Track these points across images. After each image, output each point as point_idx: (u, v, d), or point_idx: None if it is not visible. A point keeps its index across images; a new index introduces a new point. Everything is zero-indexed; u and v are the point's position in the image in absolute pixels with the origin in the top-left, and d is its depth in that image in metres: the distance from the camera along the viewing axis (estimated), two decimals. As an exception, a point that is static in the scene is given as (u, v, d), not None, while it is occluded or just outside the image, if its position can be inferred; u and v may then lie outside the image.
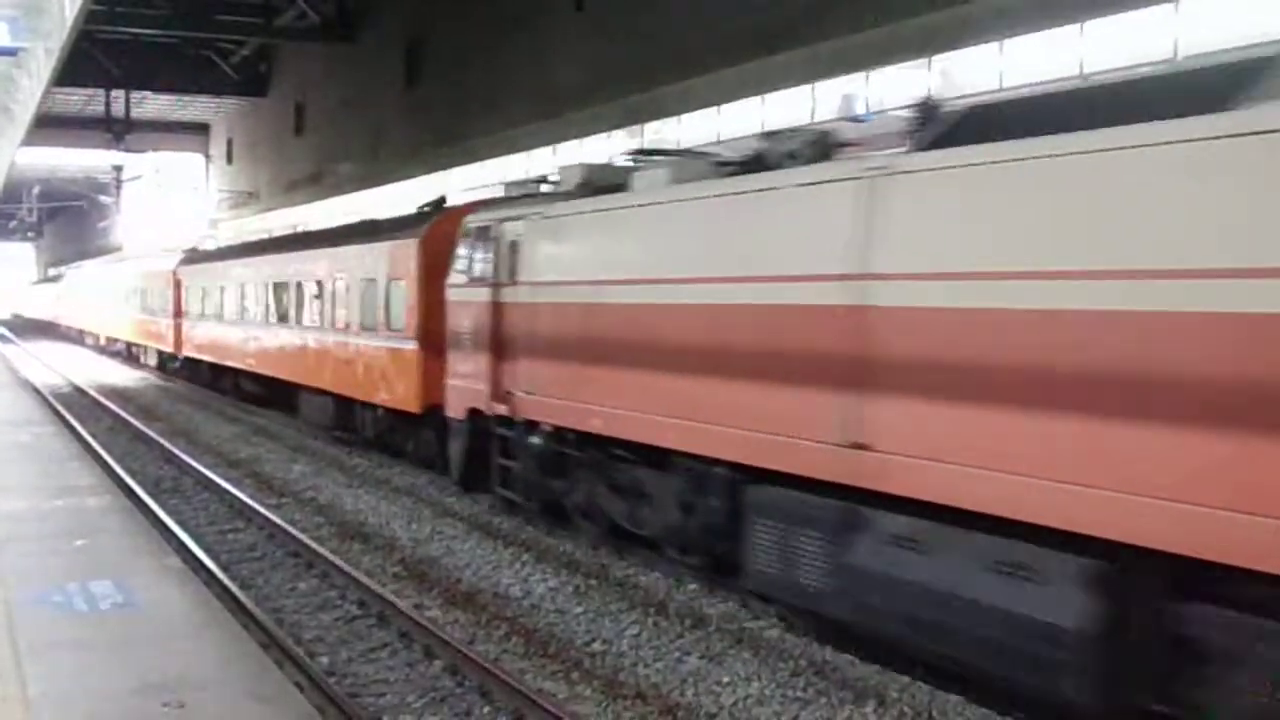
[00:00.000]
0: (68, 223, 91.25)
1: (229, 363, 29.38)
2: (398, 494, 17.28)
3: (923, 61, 16.57)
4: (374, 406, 19.61)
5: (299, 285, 23.55)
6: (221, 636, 8.50)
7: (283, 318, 24.63)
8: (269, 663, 8.22)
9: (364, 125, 37.68)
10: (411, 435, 18.64)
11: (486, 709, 8.86)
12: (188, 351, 33.98)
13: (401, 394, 18.08)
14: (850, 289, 8.85)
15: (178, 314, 34.71)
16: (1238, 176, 6.14)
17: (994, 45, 15.53)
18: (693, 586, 11.99)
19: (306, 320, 23.06)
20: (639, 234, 11.79)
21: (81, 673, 7.54)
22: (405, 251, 18.15)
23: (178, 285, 34.86)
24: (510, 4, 27.70)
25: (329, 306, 21.56)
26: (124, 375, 40.64)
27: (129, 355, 45.52)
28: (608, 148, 24.45)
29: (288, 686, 7.78)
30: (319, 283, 22.21)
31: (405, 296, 18.06)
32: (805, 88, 18.51)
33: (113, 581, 9.80)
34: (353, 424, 20.86)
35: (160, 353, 38.64)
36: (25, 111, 34.16)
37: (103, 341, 51.41)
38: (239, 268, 28.49)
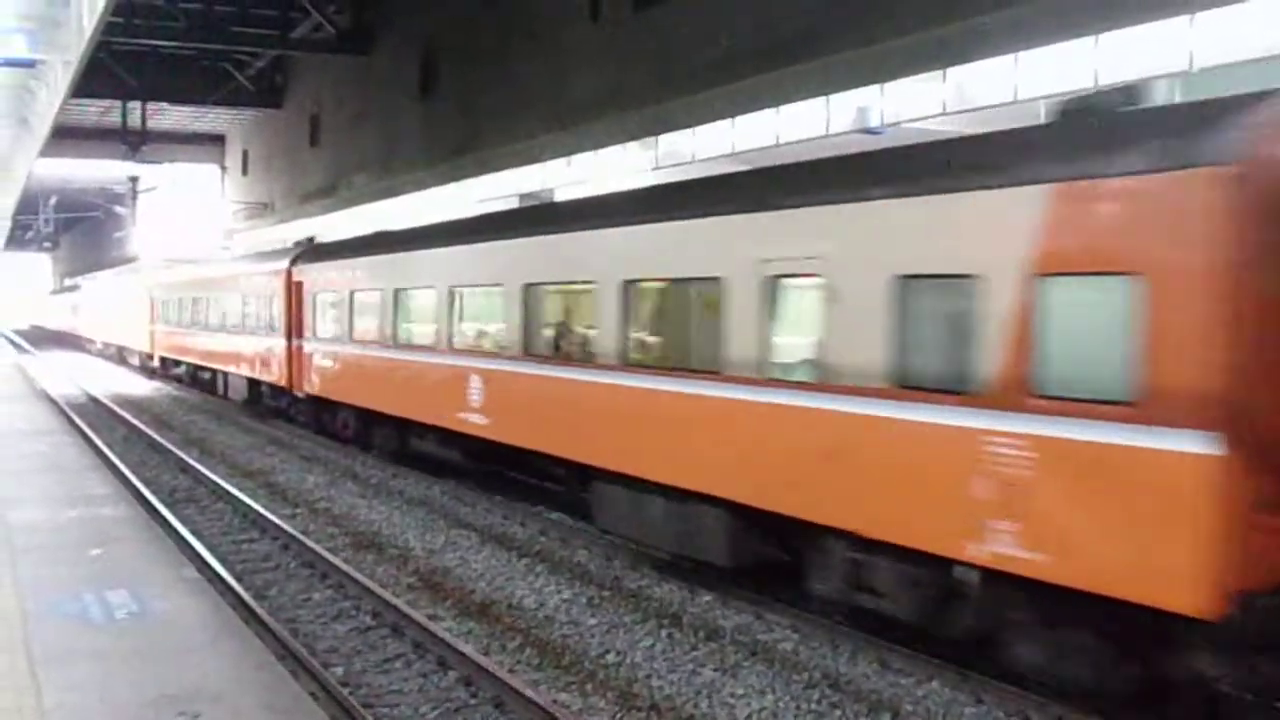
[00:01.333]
0: (84, 233, 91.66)
1: (406, 415, 18.77)
2: (412, 505, 17.30)
3: (937, 74, 16.57)
4: (971, 570, 8.82)
5: (658, 292, 12.90)
6: (236, 647, 8.51)
7: (589, 348, 13.71)
8: (284, 673, 8.24)
9: (379, 137, 37.77)
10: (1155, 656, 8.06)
11: (500, 720, 8.87)
12: (313, 388, 23.51)
13: (1133, 564, 7.62)
14: None
15: (296, 333, 24.27)
16: None
17: (1009, 57, 15.52)
18: (707, 598, 11.98)
19: (670, 355, 12.57)
20: None
21: (97, 683, 7.57)
22: (1171, 196, 7.44)
23: (296, 293, 24.42)
24: (525, 16, 27.77)
25: (825, 331, 10.11)
26: (139, 385, 40.78)
27: (194, 380, 36.56)
28: (624, 159, 24.48)
29: (303, 697, 7.79)
30: (746, 284, 10.91)
31: (1152, 312, 7.48)
32: (819, 100, 18.52)
33: (128, 591, 9.83)
34: (813, 563, 10.51)
35: (257, 385, 28.34)
36: (43, 123, 34.27)
37: (154, 362, 42.49)
38: (445, 260, 17.39)
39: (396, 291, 19.15)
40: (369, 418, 20.96)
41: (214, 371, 33.20)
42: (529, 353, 14.75)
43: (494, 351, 15.83)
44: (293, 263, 24.96)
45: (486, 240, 16.35)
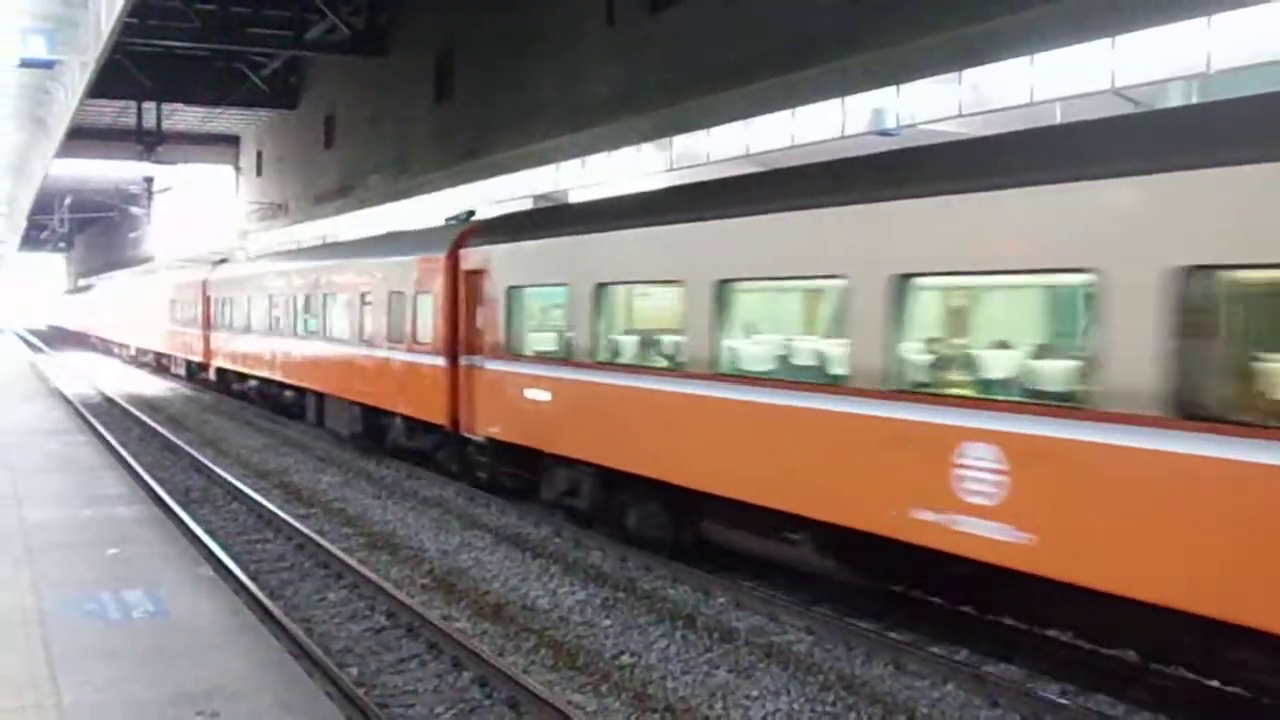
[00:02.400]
0: (99, 233, 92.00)
1: (724, 491, 11.50)
2: (426, 505, 17.32)
3: (954, 75, 16.56)
4: None
5: None
6: (253, 646, 8.53)
7: None
8: (300, 672, 8.25)
9: (393, 138, 37.89)
10: None
11: (515, 721, 8.89)
12: (499, 430, 16.11)
13: None
14: None
15: (464, 347, 16.97)
16: None
17: (1025, 58, 15.50)
18: (721, 600, 11.98)
19: None
20: None
21: (115, 682, 7.58)
22: None
23: (467, 289, 17.01)
24: (541, 19, 27.82)
25: None
26: (153, 385, 40.90)
27: (265, 400, 29.79)
28: (638, 161, 24.50)
29: (318, 696, 7.80)
30: None
31: None
32: (835, 101, 18.52)
33: (145, 591, 9.85)
34: None
35: (380, 415, 20.83)
36: (59, 123, 34.42)
37: (207, 374, 35.77)
38: (888, 226, 9.54)
39: (721, 285, 11.40)
40: (616, 483, 13.58)
41: (303, 392, 25.51)
42: (1215, 415, 7.22)
43: (1057, 405, 8.38)
44: (459, 244, 17.39)
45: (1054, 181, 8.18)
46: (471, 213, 20.36)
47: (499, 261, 16.14)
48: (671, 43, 22.84)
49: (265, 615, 10.84)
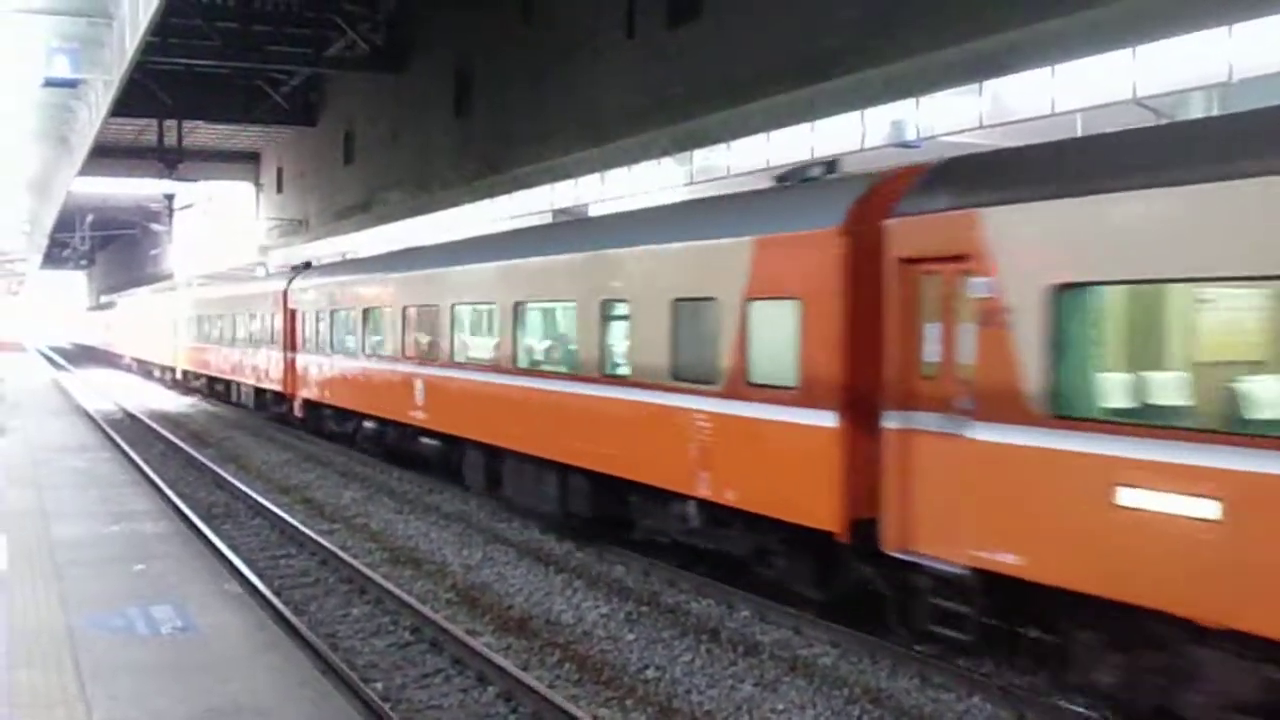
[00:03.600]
0: (120, 250, 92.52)
1: None
2: (449, 520, 17.35)
3: (973, 86, 16.54)
4: None
5: None
6: (279, 661, 8.57)
7: None
8: (327, 688, 8.29)
9: (412, 154, 37.99)
10: None
11: (541, 736, 8.89)
12: (1034, 562, 8.43)
13: None
14: None
15: (897, 400, 9.78)
16: None
17: (1045, 70, 15.48)
18: (744, 613, 11.97)
19: None
20: None
21: (144, 697, 7.63)
22: None
23: (903, 290, 9.72)
24: (560, 33, 27.89)
25: None
26: (173, 402, 41.08)
27: (383, 443, 22.56)
28: (658, 175, 24.54)
29: (345, 711, 7.83)
30: None
31: None
32: (855, 114, 18.51)
33: (172, 606, 9.91)
34: None
35: (609, 491, 14.10)
36: (82, 142, 34.61)
37: (288, 408, 28.43)
38: None
39: None
40: None
41: (458, 443, 18.53)
42: None
43: None
44: (871, 209, 10.32)
45: None
46: (831, 165, 12.43)
47: (1018, 238, 8.75)
48: (691, 56, 22.86)
49: (291, 631, 10.88)
